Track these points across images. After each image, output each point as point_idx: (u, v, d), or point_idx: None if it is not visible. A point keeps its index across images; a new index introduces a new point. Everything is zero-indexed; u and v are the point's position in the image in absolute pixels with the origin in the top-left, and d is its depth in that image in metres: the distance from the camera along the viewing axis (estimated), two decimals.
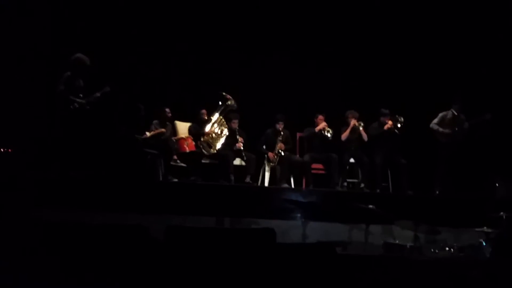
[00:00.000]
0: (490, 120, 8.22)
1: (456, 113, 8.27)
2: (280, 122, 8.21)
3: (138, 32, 8.68)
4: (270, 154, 8.12)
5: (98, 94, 7.18)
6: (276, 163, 8.12)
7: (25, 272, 3.34)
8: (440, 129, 8.27)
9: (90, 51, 7.30)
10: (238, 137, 8.05)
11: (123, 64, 8.55)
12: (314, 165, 8.21)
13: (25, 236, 3.47)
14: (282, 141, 8.18)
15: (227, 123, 8.08)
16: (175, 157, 7.81)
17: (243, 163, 8.06)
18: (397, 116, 8.18)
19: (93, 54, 7.30)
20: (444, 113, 8.37)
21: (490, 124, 8.29)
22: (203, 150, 7.88)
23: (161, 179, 7.66)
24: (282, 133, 8.21)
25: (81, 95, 7.01)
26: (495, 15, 8.90)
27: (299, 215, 6.83)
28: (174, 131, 8.24)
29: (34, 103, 7.90)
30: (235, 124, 8.11)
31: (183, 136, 8.07)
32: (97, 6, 8.48)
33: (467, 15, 8.97)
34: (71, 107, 6.88)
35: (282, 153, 8.10)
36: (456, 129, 8.21)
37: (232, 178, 7.72)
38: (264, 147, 8.27)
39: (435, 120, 8.34)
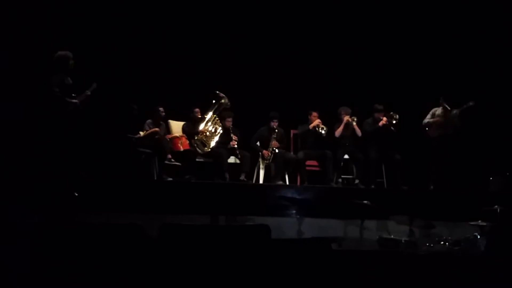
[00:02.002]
0: (474, 106, 8.16)
1: (448, 108, 8.26)
2: (275, 120, 8.20)
3: (131, 31, 8.65)
4: (265, 152, 8.11)
5: (88, 92, 7.15)
6: (270, 160, 8.12)
7: (18, 273, 3.32)
8: (432, 120, 8.26)
9: (81, 50, 7.25)
10: (232, 135, 8.05)
11: (115, 63, 8.51)
12: (309, 162, 8.21)
13: (19, 237, 3.46)
14: (276, 139, 8.18)
15: (221, 122, 8.07)
16: (169, 156, 7.80)
17: (238, 161, 8.06)
18: (392, 113, 8.18)
19: (85, 53, 7.24)
20: (435, 108, 8.37)
21: (475, 110, 8.24)
22: (197, 149, 7.87)
23: (155, 178, 7.67)
24: (276, 131, 8.21)
25: (74, 95, 6.98)
26: (484, 15, 8.90)
27: (294, 211, 6.82)
28: (168, 130, 8.23)
29: (25, 105, 7.83)
30: (229, 123, 8.11)
31: (177, 135, 8.06)
32: (89, 4, 8.42)
33: (458, 12, 8.97)
34: (68, 109, 6.85)
35: (277, 151, 8.10)
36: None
37: (227, 176, 7.73)
38: (258, 143, 8.26)
39: (428, 116, 8.35)
